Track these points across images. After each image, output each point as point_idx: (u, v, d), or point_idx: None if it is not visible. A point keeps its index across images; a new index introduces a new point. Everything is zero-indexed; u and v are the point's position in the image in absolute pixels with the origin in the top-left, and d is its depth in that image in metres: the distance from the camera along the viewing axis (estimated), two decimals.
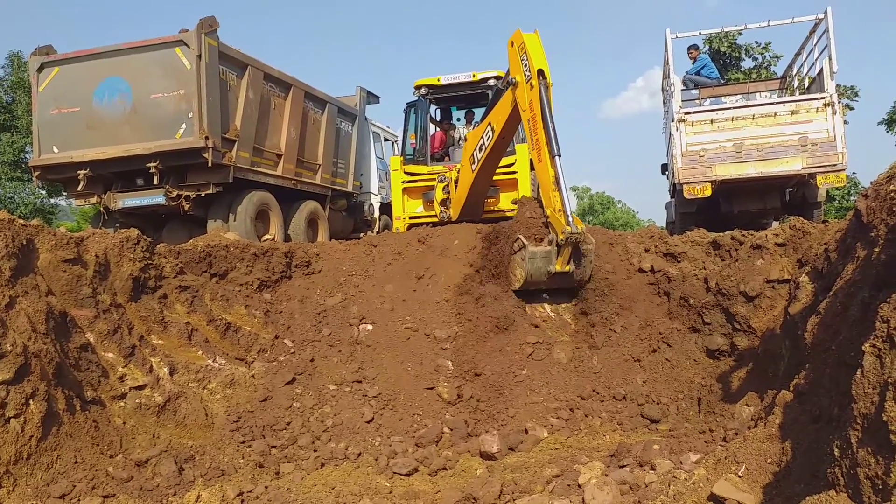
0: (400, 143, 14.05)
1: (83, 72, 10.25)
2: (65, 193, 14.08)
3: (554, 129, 7.46)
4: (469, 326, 7.48)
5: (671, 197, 14.50)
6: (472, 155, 9.39)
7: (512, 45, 8.24)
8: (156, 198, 10.27)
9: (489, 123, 8.96)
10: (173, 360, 6.61)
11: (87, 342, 5.93)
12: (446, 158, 12.63)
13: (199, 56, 9.68)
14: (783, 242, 7.15)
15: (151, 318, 6.71)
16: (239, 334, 7.41)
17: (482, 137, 9.13)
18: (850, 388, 3.00)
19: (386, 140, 17.68)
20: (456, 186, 10.55)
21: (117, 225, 10.54)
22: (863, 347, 3.00)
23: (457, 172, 10.56)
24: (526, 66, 7.80)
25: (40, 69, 10.41)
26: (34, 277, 5.66)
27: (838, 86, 11.93)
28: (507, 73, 8.41)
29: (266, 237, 10.93)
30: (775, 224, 12.56)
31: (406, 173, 12.07)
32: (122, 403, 5.92)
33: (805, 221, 7.36)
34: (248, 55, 10.99)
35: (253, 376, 7.12)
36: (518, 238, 7.56)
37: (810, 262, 6.03)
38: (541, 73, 7.64)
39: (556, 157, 7.40)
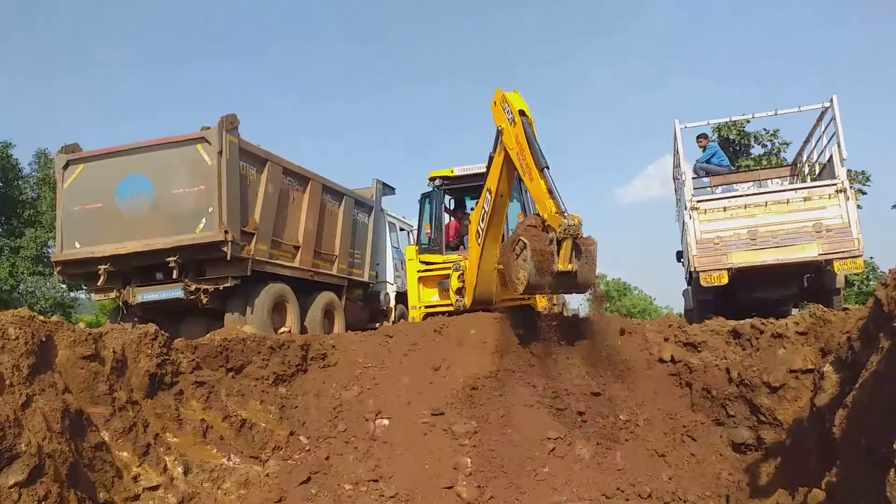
0: (415, 232, 14.21)
1: (106, 169, 10.54)
2: (84, 287, 14.23)
3: (539, 148, 7.48)
4: (486, 425, 7.33)
5: (688, 284, 14.44)
6: (477, 230, 9.45)
7: (495, 105, 8.44)
8: (175, 292, 10.36)
9: (487, 189, 9.02)
10: (188, 458, 6.50)
11: (102, 441, 5.86)
12: (461, 247, 12.70)
13: (220, 152, 9.94)
14: (804, 331, 7.05)
15: (167, 415, 6.66)
16: (254, 431, 7.30)
17: (483, 207, 9.19)
18: (883, 486, 2.90)
19: (401, 230, 17.92)
20: None
21: (136, 319, 10.57)
22: (894, 446, 2.91)
23: None
24: (508, 111, 7.97)
25: (66, 166, 10.72)
26: (52, 375, 5.66)
27: (849, 171, 12.00)
28: (496, 132, 8.53)
29: (283, 329, 10.91)
30: (794, 311, 12.43)
31: (421, 262, 12.14)
32: None
33: (825, 309, 7.28)
34: (267, 150, 11.29)
35: (267, 475, 6.97)
36: (519, 240, 7.48)
37: (833, 352, 5.94)
38: (522, 113, 7.80)
39: (545, 170, 7.39)
